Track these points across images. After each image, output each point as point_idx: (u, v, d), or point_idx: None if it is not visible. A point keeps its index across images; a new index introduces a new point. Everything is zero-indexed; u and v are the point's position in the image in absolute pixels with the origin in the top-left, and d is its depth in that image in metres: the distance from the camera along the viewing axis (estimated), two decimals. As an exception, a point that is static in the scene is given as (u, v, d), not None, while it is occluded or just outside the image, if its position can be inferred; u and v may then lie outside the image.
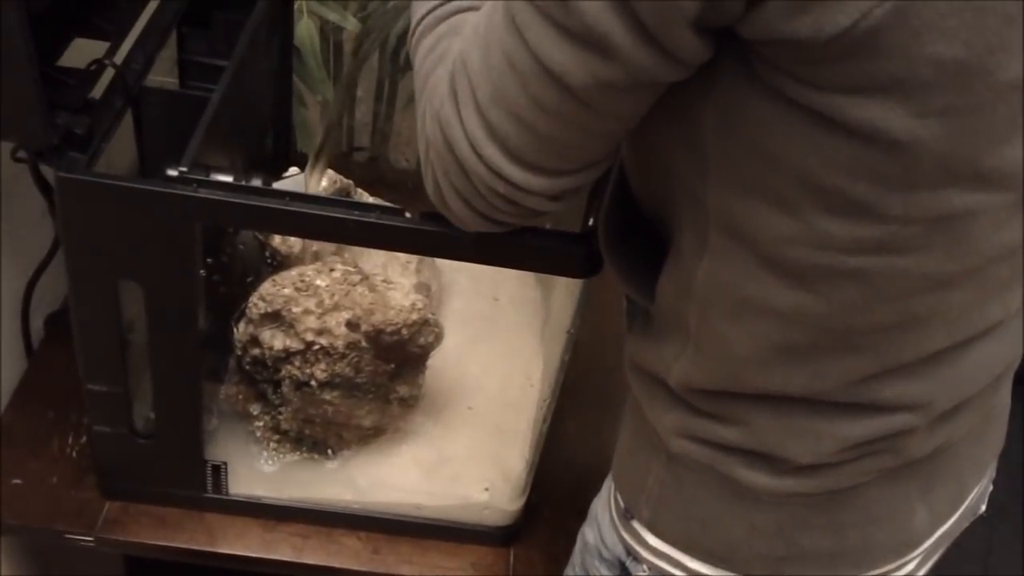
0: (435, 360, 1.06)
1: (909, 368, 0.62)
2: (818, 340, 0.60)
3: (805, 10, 0.47)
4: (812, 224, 0.55)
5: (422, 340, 1.00)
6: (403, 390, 1.05)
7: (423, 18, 0.67)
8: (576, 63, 0.52)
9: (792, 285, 0.58)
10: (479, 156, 0.59)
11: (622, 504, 0.75)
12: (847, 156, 0.52)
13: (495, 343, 1.19)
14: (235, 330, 1.01)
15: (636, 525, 0.73)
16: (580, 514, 0.85)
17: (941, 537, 0.74)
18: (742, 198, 0.57)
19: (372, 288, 0.99)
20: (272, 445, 1.06)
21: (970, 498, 0.76)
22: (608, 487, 0.78)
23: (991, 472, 0.78)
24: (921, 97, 0.49)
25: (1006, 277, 0.61)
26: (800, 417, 0.64)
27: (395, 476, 1.08)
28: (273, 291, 0.97)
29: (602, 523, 0.78)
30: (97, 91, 0.89)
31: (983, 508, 0.79)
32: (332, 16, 1.33)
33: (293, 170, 1.04)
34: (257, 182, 0.83)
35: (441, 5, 0.67)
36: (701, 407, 0.66)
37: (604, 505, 0.78)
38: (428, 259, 1.12)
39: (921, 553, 0.73)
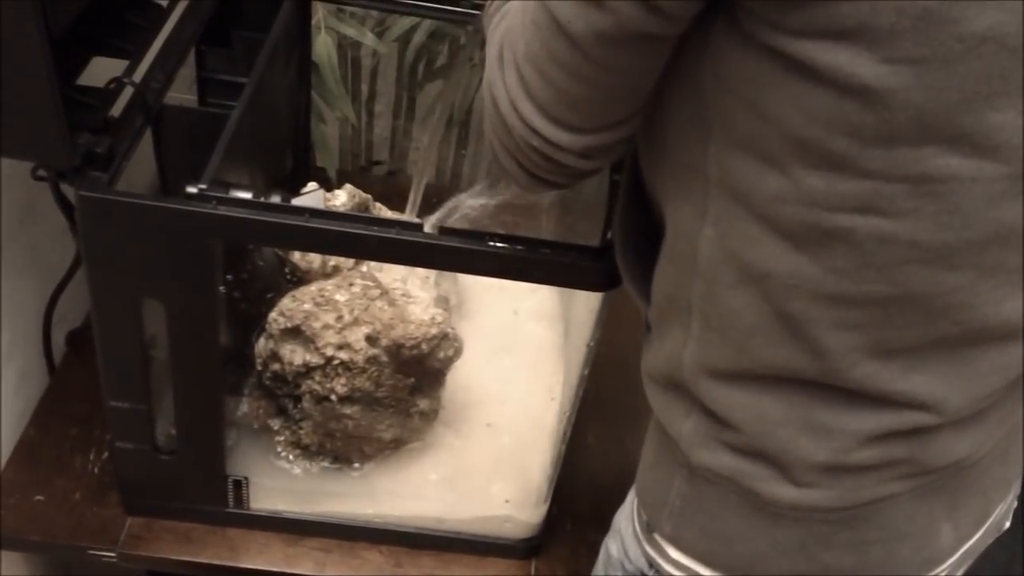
0: (455, 374, 1.06)
1: (915, 357, 0.61)
2: (814, 308, 0.60)
3: None
4: (797, 180, 0.56)
5: (442, 354, 1.00)
6: (423, 404, 1.05)
7: None
8: (576, 13, 0.55)
9: (787, 247, 0.58)
10: (516, 112, 0.62)
11: (644, 518, 0.74)
12: (822, 106, 0.52)
13: (515, 356, 1.19)
14: (255, 345, 1.02)
15: (658, 538, 0.73)
16: (601, 526, 0.84)
17: (965, 554, 0.73)
18: (738, 156, 0.58)
19: (391, 302, 0.99)
20: (293, 459, 1.06)
21: (995, 514, 0.75)
22: (631, 500, 0.78)
23: (1016, 488, 0.77)
24: (888, 43, 0.49)
25: (1016, 268, 0.59)
26: (810, 407, 0.63)
27: (416, 489, 1.08)
28: (293, 306, 0.97)
29: (625, 536, 0.78)
30: (116, 110, 0.89)
31: (1007, 524, 0.78)
32: (350, 32, 1.33)
33: (312, 185, 1.05)
34: (276, 198, 0.84)
35: None
36: (715, 406, 0.66)
37: (627, 518, 0.78)
38: (447, 272, 1.12)
39: (945, 569, 0.72)
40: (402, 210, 1.16)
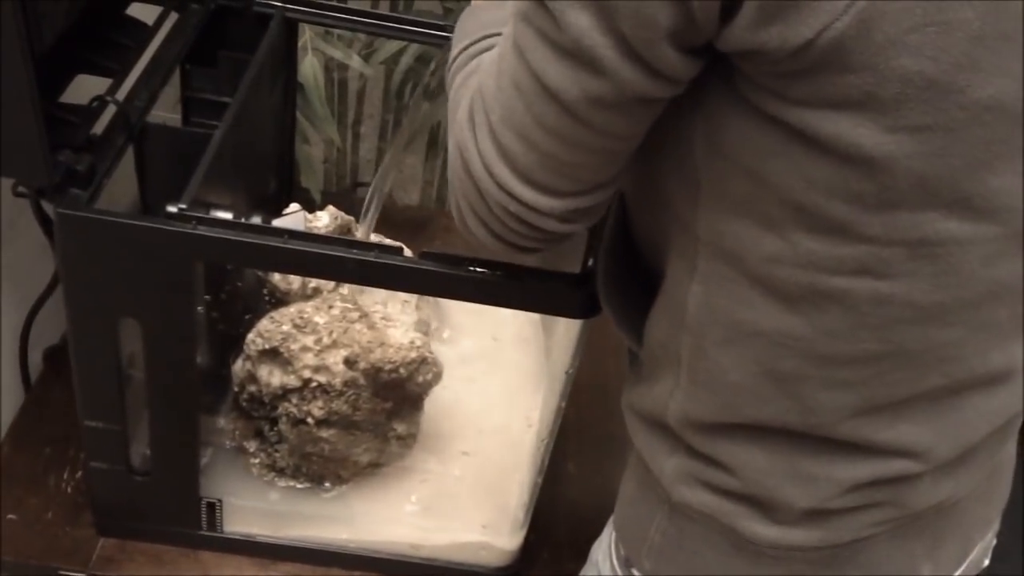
0: (433, 398, 1.05)
1: (903, 408, 0.61)
2: (805, 367, 0.60)
3: (771, 21, 0.48)
4: (795, 243, 0.56)
5: (420, 378, 1.00)
6: (401, 428, 1.04)
7: (459, 54, 0.71)
8: (569, 79, 0.54)
9: (779, 307, 0.58)
10: (491, 176, 0.61)
11: (623, 552, 0.74)
12: (824, 174, 0.52)
13: (494, 382, 1.18)
14: (232, 367, 1.01)
15: (637, 574, 0.72)
16: (579, 555, 0.84)
17: None
18: (730, 218, 0.58)
19: (371, 325, 0.99)
20: (268, 482, 1.06)
21: (974, 552, 0.75)
22: (609, 533, 0.77)
23: (996, 527, 0.77)
24: (891, 112, 0.50)
25: (1006, 320, 0.60)
26: (796, 456, 0.63)
27: (392, 514, 1.07)
28: (271, 328, 0.97)
29: (602, 569, 0.77)
30: (99, 127, 0.89)
31: (987, 562, 0.78)
32: (336, 54, 1.34)
33: (293, 207, 1.05)
34: (258, 219, 0.84)
35: (475, 43, 0.70)
36: (701, 449, 0.66)
37: (605, 552, 0.77)
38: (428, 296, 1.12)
39: None
40: (386, 232, 1.16)
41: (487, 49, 0.68)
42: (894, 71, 0.48)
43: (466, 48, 0.71)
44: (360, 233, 1.03)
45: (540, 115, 0.56)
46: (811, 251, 0.55)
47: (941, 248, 0.54)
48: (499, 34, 0.68)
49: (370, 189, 0.99)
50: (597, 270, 0.77)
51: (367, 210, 0.98)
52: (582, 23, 0.51)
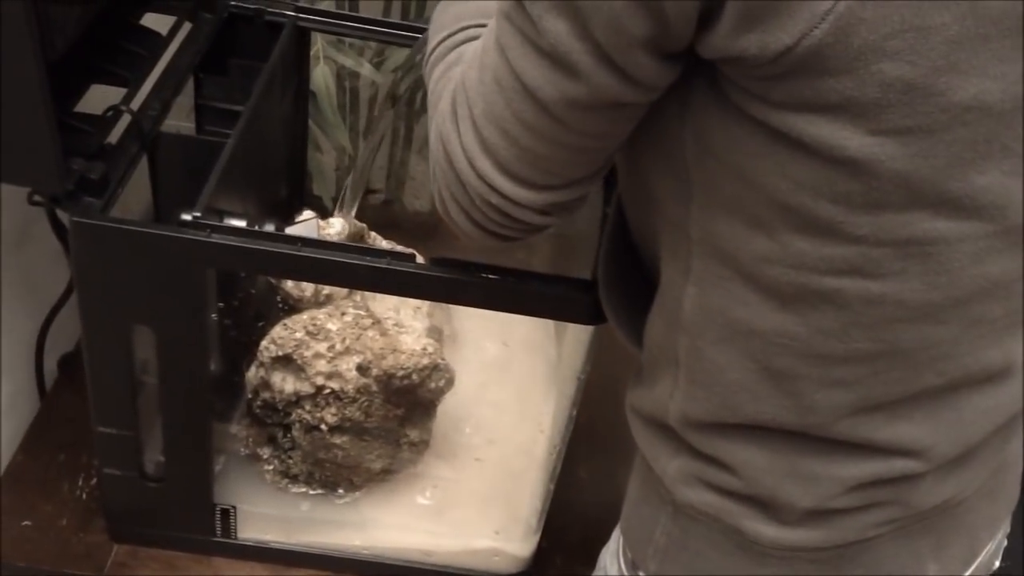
0: (445, 404, 1.06)
1: (901, 406, 0.61)
2: (801, 366, 0.60)
3: (750, 29, 0.49)
4: (785, 243, 0.56)
5: (433, 384, 1.00)
6: (413, 434, 1.05)
7: (436, 46, 0.72)
8: (547, 80, 0.55)
9: (773, 306, 0.59)
10: (473, 168, 0.62)
11: (630, 555, 0.74)
12: (809, 175, 0.53)
13: (506, 388, 1.18)
14: (246, 373, 1.02)
15: None
16: (591, 561, 0.84)
17: None
18: (721, 218, 0.58)
19: (383, 332, 0.99)
20: (281, 489, 1.06)
21: (984, 553, 0.74)
22: (616, 538, 0.77)
23: (1006, 527, 0.77)
24: (873, 115, 0.50)
25: (1000, 316, 0.60)
26: (796, 456, 0.63)
27: (404, 520, 1.07)
28: (284, 335, 0.97)
29: (610, 572, 0.77)
30: (113, 137, 0.90)
31: (997, 563, 0.78)
32: (348, 62, 1.34)
33: (307, 214, 1.05)
34: (271, 226, 0.84)
35: (453, 34, 0.71)
36: (702, 449, 0.66)
37: (612, 556, 0.78)
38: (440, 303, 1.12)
39: None
40: (397, 238, 1.16)
41: (465, 41, 0.69)
42: (873, 76, 0.49)
43: (443, 40, 0.71)
44: (341, 220, 1.04)
45: (519, 112, 0.57)
46: (801, 251, 0.56)
47: (930, 247, 0.55)
48: (475, 25, 0.69)
49: (347, 182, 1.00)
50: (598, 273, 0.77)
51: (343, 199, 0.99)
52: (558, 28, 0.52)
